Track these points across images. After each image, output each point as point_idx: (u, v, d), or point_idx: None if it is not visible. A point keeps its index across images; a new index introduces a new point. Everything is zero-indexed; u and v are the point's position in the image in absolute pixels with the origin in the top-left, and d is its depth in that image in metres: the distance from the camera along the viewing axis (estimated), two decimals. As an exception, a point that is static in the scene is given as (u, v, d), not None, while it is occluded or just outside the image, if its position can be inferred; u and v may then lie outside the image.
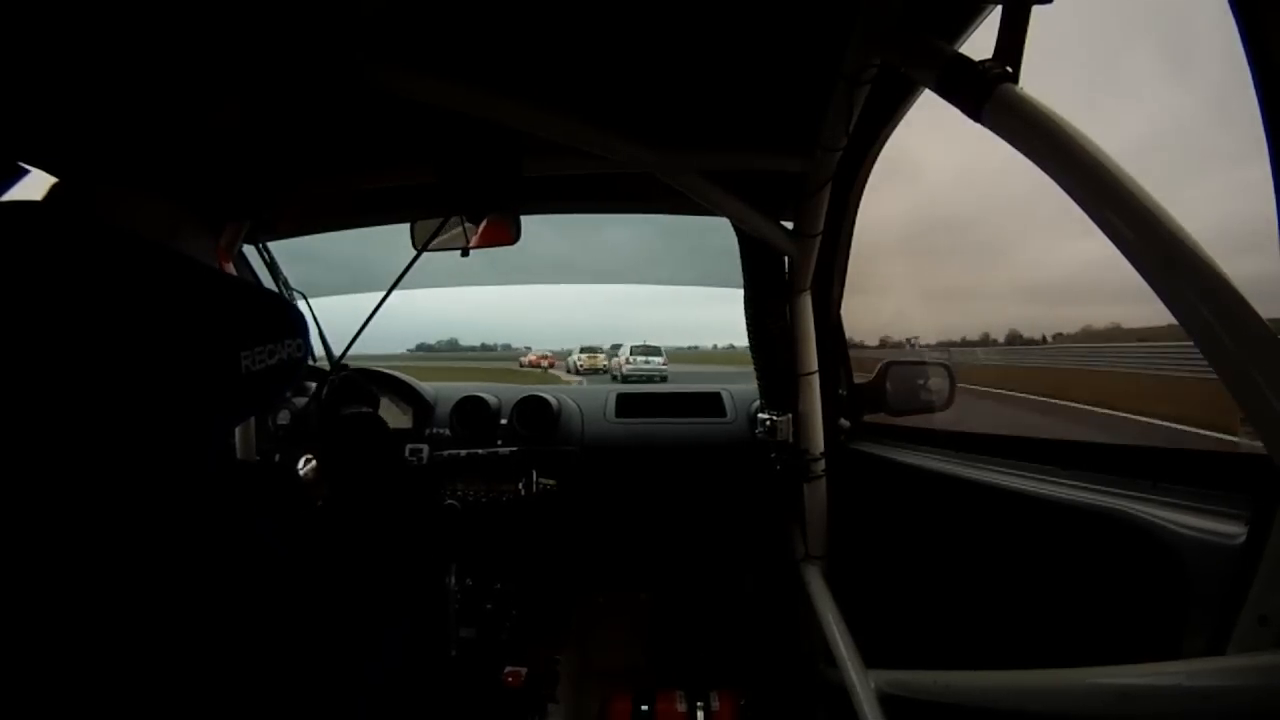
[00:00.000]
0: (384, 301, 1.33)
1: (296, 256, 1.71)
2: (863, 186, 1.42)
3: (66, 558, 0.46)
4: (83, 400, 0.46)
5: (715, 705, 1.70)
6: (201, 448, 0.52)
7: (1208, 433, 3.50)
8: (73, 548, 0.46)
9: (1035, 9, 0.66)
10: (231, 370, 0.52)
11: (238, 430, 1.56)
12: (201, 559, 0.51)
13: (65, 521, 0.46)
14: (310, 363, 1.58)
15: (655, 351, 20.76)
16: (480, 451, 1.80)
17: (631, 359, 20.35)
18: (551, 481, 1.80)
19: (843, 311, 1.59)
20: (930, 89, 0.75)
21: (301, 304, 1.59)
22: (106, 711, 0.46)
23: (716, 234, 1.60)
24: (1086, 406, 7.24)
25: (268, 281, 1.67)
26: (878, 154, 1.34)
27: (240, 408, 0.58)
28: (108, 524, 0.47)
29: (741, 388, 2.12)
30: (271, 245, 1.67)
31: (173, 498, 0.49)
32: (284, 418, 1.59)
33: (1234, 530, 0.62)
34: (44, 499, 0.45)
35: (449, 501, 1.62)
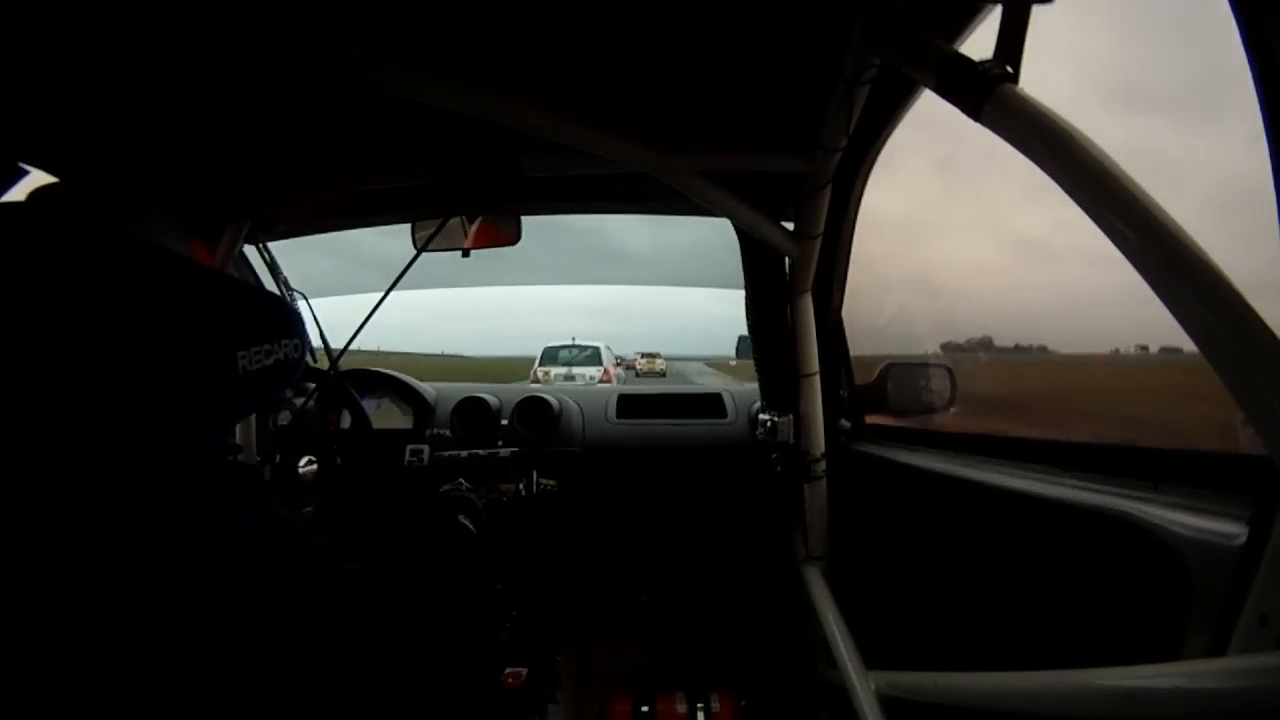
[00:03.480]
0: (382, 302, 1.34)
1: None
2: (863, 187, 1.42)
3: (61, 559, 0.46)
4: (77, 400, 0.46)
5: (715, 706, 1.70)
6: (199, 447, 0.52)
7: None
8: (67, 549, 0.46)
9: (1035, 9, 0.66)
10: (228, 370, 0.52)
11: (238, 430, 1.56)
12: (200, 560, 0.51)
13: (60, 522, 0.46)
14: (311, 362, 1.58)
15: (590, 359, 13.02)
16: (481, 452, 1.80)
17: (544, 369, 12.67)
18: (552, 482, 1.80)
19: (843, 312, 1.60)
20: (930, 89, 0.75)
21: (302, 304, 1.59)
22: (100, 711, 0.46)
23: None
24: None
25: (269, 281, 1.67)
26: (878, 154, 1.34)
27: (238, 407, 0.58)
28: (104, 525, 0.47)
29: (742, 388, 2.11)
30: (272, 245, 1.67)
31: (170, 498, 0.49)
32: (284, 418, 1.59)
33: (1235, 531, 0.62)
34: (37, 500, 0.45)
35: (464, 522, 1.57)
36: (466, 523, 1.51)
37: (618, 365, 14.30)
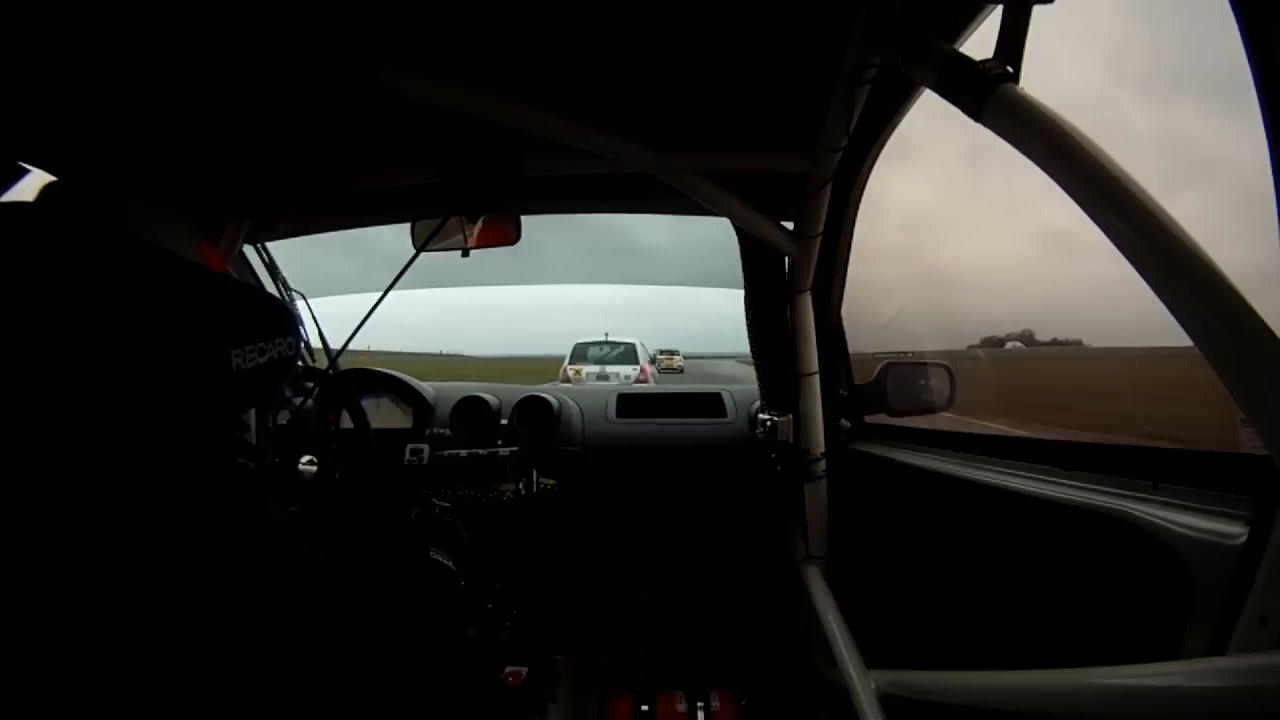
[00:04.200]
0: (380, 301, 1.34)
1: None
2: (863, 187, 1.42)
3: (53, 555, 0.46)
4: (70, 399, 0.46)
5: (715, 705, 1.70)
6: (195, 445, 0.52)
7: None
8: (60, 545, 0.46)
9: (1036, 9, 0.66)
10: (222, 368, 0.52)
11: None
12: (194, 559, 0.51)
13: (52, 519, 0.46)
14: (310, 362, 1.58)
15: (624, 356, 11.58)
16: (481, 451, 1.80)
17: (575, 367, 11.27)
18: (552, 481, 1.80)
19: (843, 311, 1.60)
20: (930, 89, 0.75)
21: (301, 304, 1.59)
22: (94, 709, 0.46)
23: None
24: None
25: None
26: (878, 154, 1.34)
27: (233, 405, 0.58)
28: (97, 522, 0.47)
29: (742, 388, 2.12)
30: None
31: (163, 495, 0.49)
32: (283, 417, 1.59)
33: (1235, 531, 0.62)
34: (31, 499, 0.45)
35: (438, 559, 1.48)
36: (441, 558, 1.44)
37: (652, 363, 12.97)
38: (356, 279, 1.75)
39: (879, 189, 1.44)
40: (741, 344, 1.68)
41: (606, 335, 12.30)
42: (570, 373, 11.10)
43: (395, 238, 1.81)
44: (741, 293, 1.61)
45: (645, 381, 10.34)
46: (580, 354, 11.86)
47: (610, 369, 11.15)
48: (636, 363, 11.43)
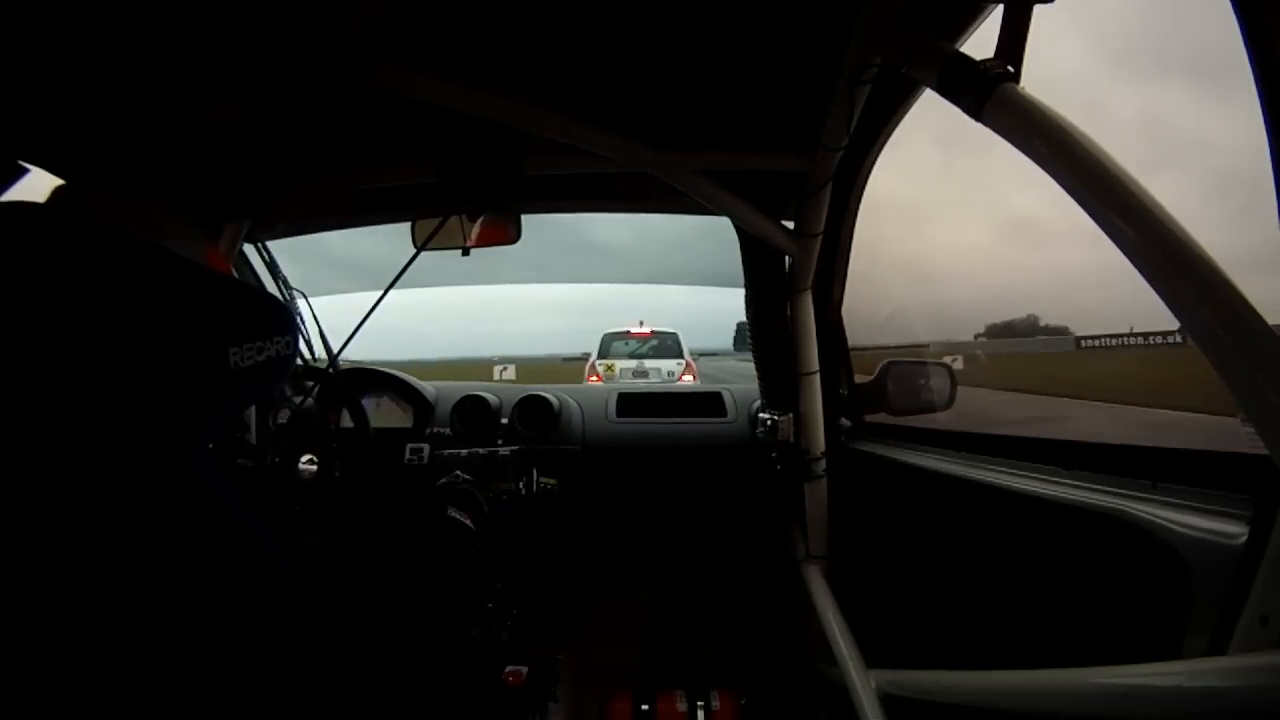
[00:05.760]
0: (381, 300, 1.34)
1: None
2: (863, 186, 1.42)
3: (52, 552, 0.46)
4: (70, 397, 0.46)
5: (716, 705, 1.70)
6: (192, 442, 0.52)
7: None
8: (59, 542, 0.46)
9: (1037, 8, 0.66)
10: (220, 366, 0.52)
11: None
12: (195, 557, 0.51)
13: (53, 517, 0.46)
14: (311, 361, 1.58)
15: (661, 349, 9.33)
16: (481, 451, 1.80)
17: (605, 363, 9.14)
18: (552, 481, 1.80)
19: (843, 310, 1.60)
20: (931, 88, 0.75)
21: (301, 303, 1.59)
22: (93, 706, 0.46)
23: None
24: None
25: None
26: (879, 154, 1.34)
27: (231, 403, 0.58)
28: (96, 519, 0.47)
29: (742, 388, 2.12)
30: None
31: (161, 492, 0.49)
32: (283, 416, 1.59)
33: (1235, 531, 0.62)
34: (30, 496, 0.45)
35: (455, 516, 1.52)
36: (459, 516, 1.48)
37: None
38: (302, 283, 1.74)
39: (885, 184, 1.44)
40: (714, 340, 1.68)
41: (641, 323, 9.71)
42: (600, 368, 8.98)
43: (342, 241, 1.80)
44: (711, 289, 1.60)
45: (693, 378, 8.57)
46: (608, 347, 9.59)
47: (650, 364, 9.09)
48: (681, 356, 9.23)
